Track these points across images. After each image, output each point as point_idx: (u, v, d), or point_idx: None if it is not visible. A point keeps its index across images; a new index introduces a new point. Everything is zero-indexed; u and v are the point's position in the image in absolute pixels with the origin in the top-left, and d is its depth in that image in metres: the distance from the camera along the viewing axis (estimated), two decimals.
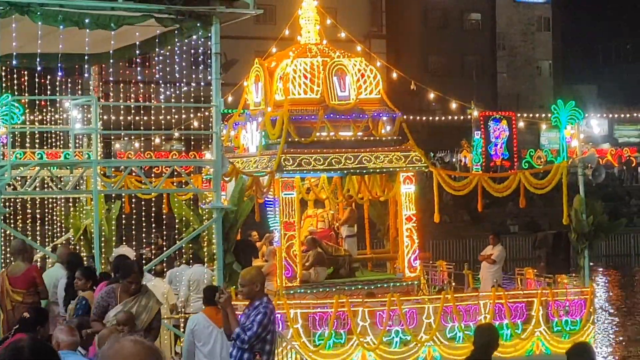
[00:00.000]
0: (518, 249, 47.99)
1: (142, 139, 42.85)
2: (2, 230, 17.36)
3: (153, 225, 23.73)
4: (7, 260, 16.57)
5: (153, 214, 23.48)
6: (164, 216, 24.95)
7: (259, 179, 21.49)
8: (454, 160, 70.21)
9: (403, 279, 23.37)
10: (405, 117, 55.75)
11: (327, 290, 22.61)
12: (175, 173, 22.36)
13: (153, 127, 27.01)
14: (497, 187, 23.90)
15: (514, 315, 22.27)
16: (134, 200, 23.50)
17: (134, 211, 22.73)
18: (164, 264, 21.72)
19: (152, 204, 24.15)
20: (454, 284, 25.64)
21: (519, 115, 70.74)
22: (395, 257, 24.11)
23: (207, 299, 13.28)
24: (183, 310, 20.25)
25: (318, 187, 24.07)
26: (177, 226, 20.62)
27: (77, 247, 20.30)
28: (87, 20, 17.41)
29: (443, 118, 65.33)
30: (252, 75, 24.23)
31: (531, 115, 72.71)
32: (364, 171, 23.14)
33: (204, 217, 19.45)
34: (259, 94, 23.83)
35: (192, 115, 32.05)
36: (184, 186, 21.94)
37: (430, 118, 63.98)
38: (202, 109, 27.36)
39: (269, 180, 21.61)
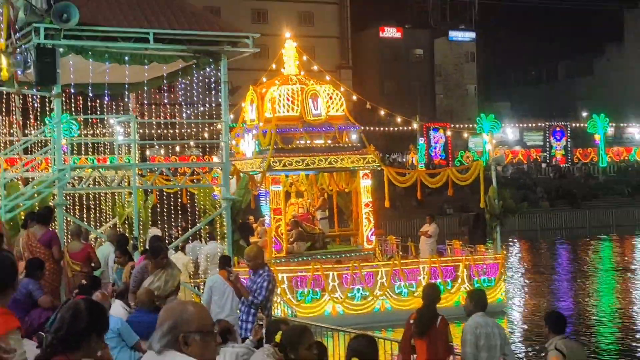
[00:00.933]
0: (450, 226, 48.17)
1: (169, 147, 42.75)
2: (64, 218, 17.22)
3: (179, 212, 23.70)
4: (68, 240, 16.45)
5: (178, 204, 23.45)
6: (185, 206, 24.85)
7: (254, 176, 21.74)
8: (404, 160, 70.25)
9: (362, 250, 23.82)
10: (365, 128, 55.78)
11: (306, 259, 22.91)
12: (195, 173, 22.30)
13: (177, 138, 26.92)
14: (432, 180, 24.64)
15: (445, 275, 23.04)
16: (164, 194, 23.43)
17: (164, 202, 22.66)
18: (186, 241, 21.79)
19: (178, 196, 24.12)
20: (401, 253, 25.95)
21: (452, 125, 70.97)
22: (356, 233, 24.51)
23: (222, 264, 13.42)
24: (203, 277, 20.27)
25: (298, 182, 24.76)
26: (197, 212, 20.57)
27: (122, 230, 20.19)
28: (126, 58, 17.31)
29: (395, 129, 65.31)
30: (248, 98, 24.55)
31: (461, 125, 72.88)
32: (333, 169, 23.65)
33: (218, 206, 19.51)
34: (253, 113, 24.13)
35: (206, 129, 31.91)
36: (200, 182, 21.84)
37: (386, 129, 63.94)
38: (214, 124, 27.23)
39: (261, 177, 21.92)
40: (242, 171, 21.30)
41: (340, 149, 23.36)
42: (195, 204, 22.37)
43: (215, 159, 23.60)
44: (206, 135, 28.12)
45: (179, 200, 23.86)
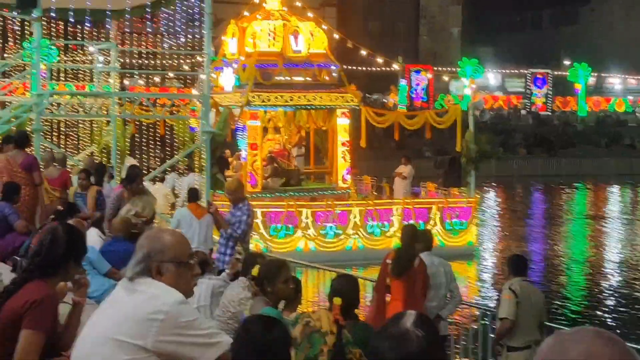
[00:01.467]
0: (427, 169, 48.14)
1: (149, 78, 42.35)
2: (41, 144, 17.09)
3: (157, 143, 23.60)
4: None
5: (157, 136, 23.33)
6: (164, 137, 24.72)
7: (232, 110, 21.63)
8: (385, 100, 70.07)
9: (337, 188, 23.83)
10: (347, 67, 55.39)
11: (281, 195, 22.90)
12: (175, 105, 22.16)
13: (158, 69, 26.65)
14: (410, 122, 24.70)
15: (418, 217, 23.02)
16: (143, 125, 23.29)
17: (143, 133, 22.55)
18: (165, 172, 21.70)
19: (157, 128, 23.98)
20: (375, 193, 25.96)
21: (434, 68, 70.69)
22: (332, 172, 24.43)
23: (190, 197, 13.53)
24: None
25: (276, 118, 24.66)
26: (175, 144, 20.50)
27: (99, 158, 20.09)
28: None
29: (377, 69, 65.03)
30: (229, 32, 24.26)
31: (444, 68, 72.64)
32: (311, 107, 23.49)
33: (196, 138, 19.44)
34: (234, 47, 23.91)
35: (187, 61, 31.61)
36: (179, 114, 21.70)
37: (368, 68, 63.59)
38: (194, 56, 26.93)
39: (240, 112, 21.79)
40: (221, 104, 21.15)
41: (320, 87, 23.31)
42: (175, 136, 22.26)
43: (194, 91, 23.40)
44: (186, 67, 27.82)
45: (157, 131, 23.72)
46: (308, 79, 23.32)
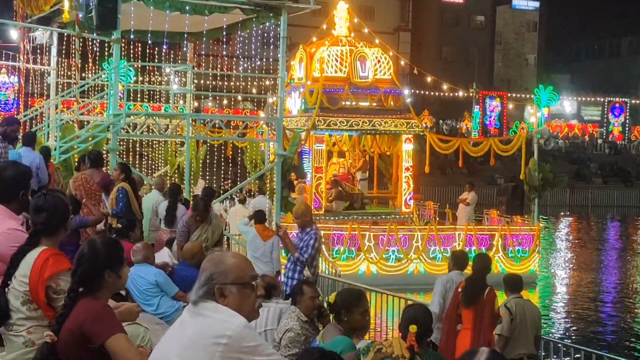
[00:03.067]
0: (491, 196, 47.56)
1: (223, 99, 42.86)
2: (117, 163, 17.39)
3: (229, 165, 23.85)
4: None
5: (229, 157, 23.58)
6: (235, 159, 25.00)
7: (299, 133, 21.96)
8: (458, 126, 69.74)
9: (400, 213, 24.00)
10: (420, 92, 55.21)
11: (344, 219, 23.14)
12: (249, 126, 22.37)
13: (232, 91, 26.95)
14: (474, 149, 24.86)
15: (480, 243, 23.20)
16: (215, 146, 23.55)
17: (215, 154, 22.78)
18: (245, 194, 21.94)
19: (228, 149, 24.25)
20: (438, 219, 25.94)
21: (509, 95, 70.17)
22: (395, 196, 24.67)
23: (257, 218, 13.63)
24: None
25: (341, 142, 25.11)
26: (247, 166, 20.69)
27: (173, 179, 20.37)
28: (187, 7, 17.35)
29: (451, 95, 64.81)
30: (297, 56, 24.63)
31: (518, 95, 72.01)
32: (376, 132, 23.73)
33: (268, 161, 19.62)
34: (301, 71, 24.26)
35: (255, 84, 31.97)
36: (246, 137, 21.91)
37: (441, 94, 63.36)
38: (262, 80, 27.23)
39: (306, 136, 22.02)
40: (288, 128, 21.36)
41: (385, 112, 23.61)
42: (246, 158, 22.47)
43: (261, 114, 23.65)
44: (254, 90, 28.10)
45: (228, 153, 24.00)
46: (374, 104, 23.61)
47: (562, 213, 47.06)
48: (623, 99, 73.70)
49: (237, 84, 27.73)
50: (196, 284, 3.88)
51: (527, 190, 24.17)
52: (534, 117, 27.30)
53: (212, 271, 3.85)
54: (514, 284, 10.42)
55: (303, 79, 23.98)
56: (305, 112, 23.17)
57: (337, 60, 23.32)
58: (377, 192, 26.69)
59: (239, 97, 29.56)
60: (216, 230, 11.91)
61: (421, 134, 24.25)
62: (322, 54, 23.40)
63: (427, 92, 60.23)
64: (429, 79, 45.49)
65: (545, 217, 42.45)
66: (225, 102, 51.15)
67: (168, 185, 16.41)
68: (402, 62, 29.01)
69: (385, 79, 23.87)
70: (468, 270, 10.79)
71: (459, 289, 10.12)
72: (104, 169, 13.54)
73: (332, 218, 22.93)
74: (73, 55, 20.01)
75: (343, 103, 23.12)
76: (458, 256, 11.15)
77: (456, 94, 65.17)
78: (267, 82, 22.56)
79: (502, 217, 25.28)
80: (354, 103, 23.26)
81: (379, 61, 23.79)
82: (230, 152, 24.70)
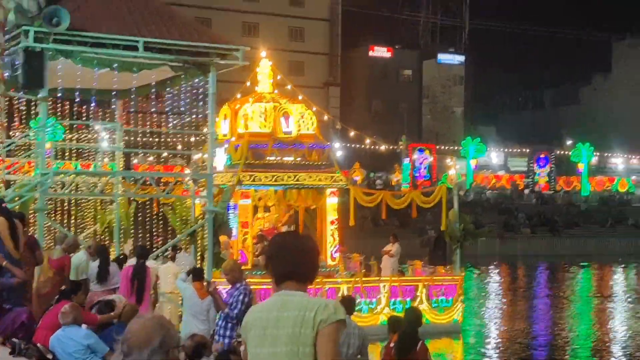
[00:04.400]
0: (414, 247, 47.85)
1: (155, 155, 42.64)
2: (45, 223, 17.11)
3: (160, 222, 23.63)
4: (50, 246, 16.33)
5: (160, 214, 23.38)
6: (167, 216, 24.80)
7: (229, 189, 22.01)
8: (389, 179, 70.33)
9: (326, 266, 23.88)
10: (351, 146, 55.49)
11: None
12: (179, 182, 22.23)
13: (162, 147, 26.82)
14: (396, 201, 25.33)
15: (405, 294, 23.60)
16: (146, 203, 23.36)
17: (146, 211, 22.59)
18: (175, 251, 21.70)
19: (155, 206, 24.04)
20: (364, 270, 26.06)
21: (437, 147, 71.17)
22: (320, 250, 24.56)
23: (195, 275, 13.50)
24: None
25: (267, 196, 25.26)
26: (173, 223, 20.57)
27: (103, 237, 20.10)
28: (115, 65, 17.29)
29: (381, 148, 65.49)
30: (221, 113, 24.75)
31: (447, 147, 73.08)
32: (301, 186, 23.92)
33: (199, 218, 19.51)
34: (226, 127, 24.41)
35: (179, 139, 31.88)
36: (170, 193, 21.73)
37: (372, 147, 63.94)
38: (188, 136, 27.20)
39: (232, 191, 22.05)
40: (217, 184, 21.33)
41: (309, 167, 23.80)
42: (176, 215, 22.28)
43: (187, 170, 23.65)
44: (179, 146, 28.06)
45: (161, 209, 23.78)
46: (298, 159, 23.84)
47: (492, 263, 47.57)
48: (548, 150, 75.28)
49: (167, 140, 27.61)
50: (145, 351, 3.82)
51: (449, 241, 24.77)
52: (454, 169, 28.15)
53: (163, 335, 3.83)
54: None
55: (228, 135, 24.18)
56: (230, 168, 23.32)
57: (261, 117, 23.60)
58: None
59: (165, 153, 29.30)
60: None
61: (345, 187, 24.53)
62: (246, 110, 23.72)
63: (357, 146, 60.74)
64: (359, 133, 45.98)
65: (475, 267, 42.93)
66: (152, 158, 50.93)
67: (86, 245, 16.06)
68: (325, 117, 29.25)
69: (309, 134, 24.18)
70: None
71: (391, 344, 10.14)
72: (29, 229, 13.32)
73: (259, 273, 22.89)
74: None
75: (268, 158, 23.38)
76: (345, 301, 11.28)
77: (387, 146, 65.99)
78: (193, 139, 22.53)
79: (426, 267, 25.62)
80: (278, 158, 23.53)
81: (302, 116, 24.12)
82: (157, 209, 24.47)
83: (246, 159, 22.85)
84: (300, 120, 23.98)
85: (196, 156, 20.64)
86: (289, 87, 26.84)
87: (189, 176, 20.89)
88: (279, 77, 25.25)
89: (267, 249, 4.34)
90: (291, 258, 4.38)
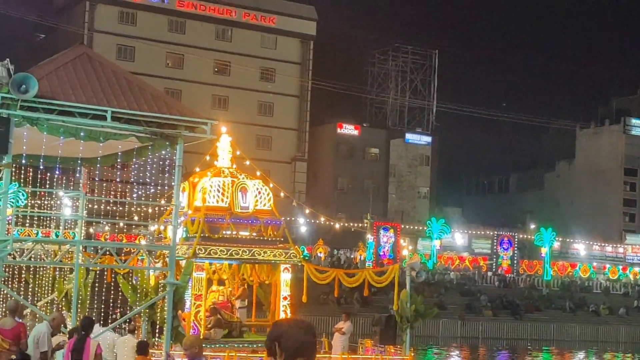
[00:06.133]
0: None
1: (117, 225, 42.31)
2: (2, 290, 16.81)
3: (119, 293, 23.34)
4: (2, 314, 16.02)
5: (119, 284, 23.10)
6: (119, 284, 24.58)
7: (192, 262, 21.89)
8: (352, 256, 70.25)
9: None
10: (315, 222, 55.45)
11: (223, 347, 23.04)
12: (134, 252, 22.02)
13: (125, 217, 26.64)
14: (349, 280, 25.50)
15: None
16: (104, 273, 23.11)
17: (104, 281, 22.32)
18: (134, 323, 21.39)
19: (109, 276, 23.80)
20: None
21: (402, 226, 71.37)
22: (272, 324, 24.38)
23: (139, 349, 13.27)
24: None
25: (221, 270, 25.24)
26: (125, 293, 20.39)
27: (60, 306, 19.77)
28: (82, 134, 17.23)
29: (346, 225, 65.54)
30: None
31: (412, 227, 73.33)
32: (255, 261, 23.94)
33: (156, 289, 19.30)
34: (184, 200, 24.29)
35: (157, 210, 31.71)
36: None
37: (337, 225, 64.02)
38: (146, 206, 27.17)
39: (187, 264, 21.94)
40: (166, 256, 21.18)
41: (264, 242, 23.87)
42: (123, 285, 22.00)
43: (142, 242, 23.51)
44: (135, 217, 27.92)
45: (113, 278, 23.53)
46: (254, 234, 23.93)
47: (453, 344, 47.35)
48: (511, 233, 75.75)
49: (132, 209, 27.38)
50: None
51: (399, 321, 24.75)
52: (407, 249, 28.46)
53: None
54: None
55: (185, 208, 24.17)
56: (186, 241, 23.31)
57: (218, 191, 23.71)
58: (256, 320, 26.83)
59: (121, 223, 29.15)
60: None
61: (299, 264, 24.61)
62: (205, 184, 23.81)
63: (322, 222, 60.69)
64: (325, 210, 46.14)
65: (436, 348, 42.72)
66: (124, 227, 50.51)
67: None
68: (282, 194, 29.40)
69: (265, 210, 24.33)
70: None
71: None
72: None
73: (210, 346, 22.75)
74: None
75: (224, 232, 23.40)
76: None
77: (351, 224, 66.06)
78: (150, 210, 22.47)
79: (376, 346, 25.58)
80: (234, 232, 23.58)
81: (259, 192, 24.32)
82: (110, 279, 24.24)
83: (202, 232, 22.88)
84: (257, 196, 24.17)
85: (152, 227, 20.53)
86: (247, 162, 26.96)
87: (147, 247, 20.71)
88: (238, 153, 25.40)
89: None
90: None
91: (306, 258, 59.03)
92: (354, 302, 52.55)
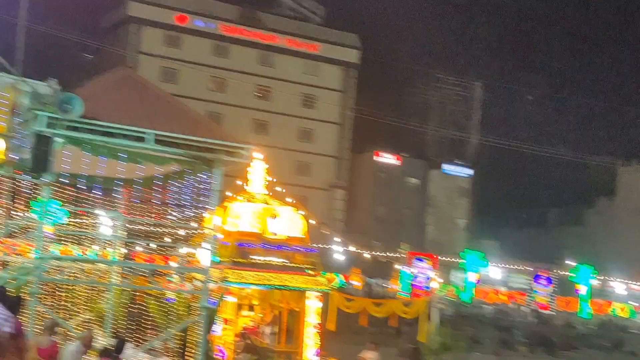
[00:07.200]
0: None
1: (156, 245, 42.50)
2: (36, 307, 16.95)
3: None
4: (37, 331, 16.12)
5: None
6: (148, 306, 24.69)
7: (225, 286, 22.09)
8: (386, 286, 70.04)
9: None
10: (353, 250, 55.37)
11: None
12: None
13: (161, 238, 26.74)
14: (377, 309, 25.47)
15: None
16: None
17: (139, 302, 22.38)
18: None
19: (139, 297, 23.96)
20: None
21: (438, 257, 71.00)
22: (298, 352, 24.47)
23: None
24: None
25: (251, 295, 25.13)
26: (154, 314, 20.48)
27: (92, 325, 19.88)
28: (122, 155, 17.42)
29: (383, 254, 65.38)
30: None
31: (448, 258, 72.90)
32: (284, 287, 23.91)
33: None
34: (215, 225, 24.47)
35: (193, 232, 31.88)
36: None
37: (372, 253, 63.91)
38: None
39: (217, 288, 22.04)
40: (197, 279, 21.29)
41: (294, 269, 23.90)
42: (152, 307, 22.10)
43: (172, 264, 23.70)
44: (167, 239, 28.15)
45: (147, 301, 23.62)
46: (284, 260, 23.93)
47: None
48: (549, 269, 75.01)
49: (169, 231, 27.53)
50: None
51: (426, 353, 24.99)
52: (435, 282, 28.70)
53: None
54: None
55: (217, 232, 24.34)
56: (216, 264, 23.39)
57: (250, 217, 23.80)
58: (284, 347, 26.76)
59: (153, 245, 29.23)
60: None
61: (328, 291, 24.65)
62: (237, 209, 23.93)
63: (360, 251, 60.65)
64: (362, 238, 46.01)
65: None
66: (144, 248, 50.62)
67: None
68: (312, 222, 29.53)
69: (296, 237, 24.37)
70: None
71: None
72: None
73: None
74: (3, 195, 19.80)
75: (254, 257, 23.45)
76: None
77: (388, 253, 65.82)
78: (183, 232, 22.64)
79: None
80: (265, 258, 23.63)
81: (291, 219, 24.31)
82: (143, 300, 24.35)
83: (233, 257, 22.99)
84: (288, 223, 24.24)
85: (183, 250, 20.66)
86: (278, 189, 27.05)
87: (182, 270, 20.83)
88: (270, 179, 25.53)
89: None
90: None
91: (342, 286, 58.83)
92: (387, 331, 52.16)
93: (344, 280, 61.43)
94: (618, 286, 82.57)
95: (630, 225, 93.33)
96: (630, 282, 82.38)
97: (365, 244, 67.98)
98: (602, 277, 79.03)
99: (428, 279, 67.84)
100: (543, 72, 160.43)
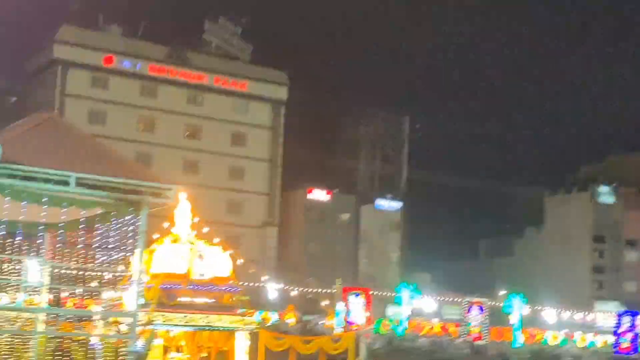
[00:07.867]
0: None
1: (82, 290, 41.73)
2: None
3: None
4: None
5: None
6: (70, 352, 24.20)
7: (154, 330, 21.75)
8: (321, 323, 69.76)
9: None
10: (285, 287, 55.22)
11: None
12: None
13: (85, 282, 26.28)
14: (306, 347, 25.58)
15: None
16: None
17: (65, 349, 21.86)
18: None
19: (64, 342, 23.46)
20: None
21: (372, 292, 71.11)
22: None
23: None
24: None
25: (178, 337, 24.66)
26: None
27: None
28: (45, 199, 17.06)
29: (317, 290, 65.20)
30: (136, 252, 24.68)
31: (382, 293, 73.01)
32: (211, 328, 23.57)
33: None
34: (141, 267, 24.23)
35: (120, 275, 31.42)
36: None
37: (306, 290, 63.71)
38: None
39: (142, 331, 21.73)
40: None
41: (221, 309, 23.68)
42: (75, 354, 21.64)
43: (96, 308, 23.29)
44: (93, 283, 27.77)
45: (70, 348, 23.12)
46: (211, 300, 23.72)
47: None
48: (481, 300, 75.58)
49: (95, 274, 27.04)
50: None
51: None
52: (363, 317, 29.21)
53: None
54: None
55: (142, 274, 24.01)
56: (143, 307, 23.03)
57: (175, 258, 23.58)
58: None
59: (77, 290, 28.72)
60: None
61: (256, 331, 24.47)
62: (162, 251, 23.66)
63: (292, 288, 60.47)
64: (294, 275, 45.90)
65: None
66: (69, 293, 49.60)
67: None
68: (240, 261, 29.37)
69: (223, 277, 24.18)
70: None
71: None
72: None
73: None
74: None
75: (180, 299, 23.18)
76: None
77: (321, 290, 65.64)
78: (109, 275, 22.25)
79: None
80: (191, 299, 23.38)
81: (217, 259, 24.18)
82: (68, 345, 23.81)
83: (159, 299, 22.67)
84: (215, 263, 24.07)
85: (107, 294, 20.29)
86: (205, 230, 26.86)
87: (109, 315, 20.39)
88: (196, 220, 25.30)
89: None
90: None
91: (275, 324, 58.41)
92: None
93: (279, 318, 61.05)
94: (549, 314, 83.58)
95: (558, 254, 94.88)
96: (560, 309, 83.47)
97: (299, 280, 67.78)
98: (532, 306, 79.95)
99: (363, 313, 67.92)
100: (468, 106, 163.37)
